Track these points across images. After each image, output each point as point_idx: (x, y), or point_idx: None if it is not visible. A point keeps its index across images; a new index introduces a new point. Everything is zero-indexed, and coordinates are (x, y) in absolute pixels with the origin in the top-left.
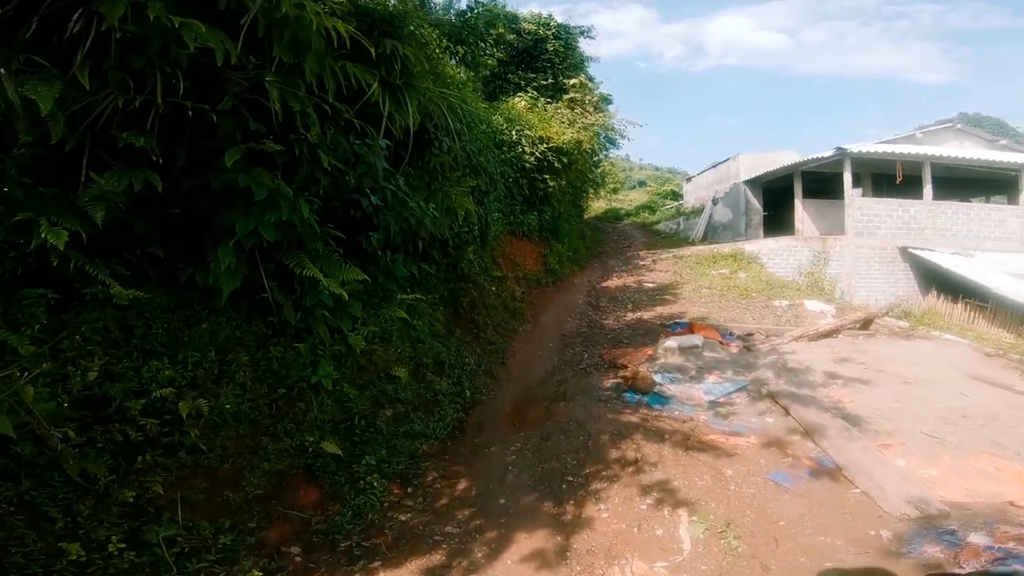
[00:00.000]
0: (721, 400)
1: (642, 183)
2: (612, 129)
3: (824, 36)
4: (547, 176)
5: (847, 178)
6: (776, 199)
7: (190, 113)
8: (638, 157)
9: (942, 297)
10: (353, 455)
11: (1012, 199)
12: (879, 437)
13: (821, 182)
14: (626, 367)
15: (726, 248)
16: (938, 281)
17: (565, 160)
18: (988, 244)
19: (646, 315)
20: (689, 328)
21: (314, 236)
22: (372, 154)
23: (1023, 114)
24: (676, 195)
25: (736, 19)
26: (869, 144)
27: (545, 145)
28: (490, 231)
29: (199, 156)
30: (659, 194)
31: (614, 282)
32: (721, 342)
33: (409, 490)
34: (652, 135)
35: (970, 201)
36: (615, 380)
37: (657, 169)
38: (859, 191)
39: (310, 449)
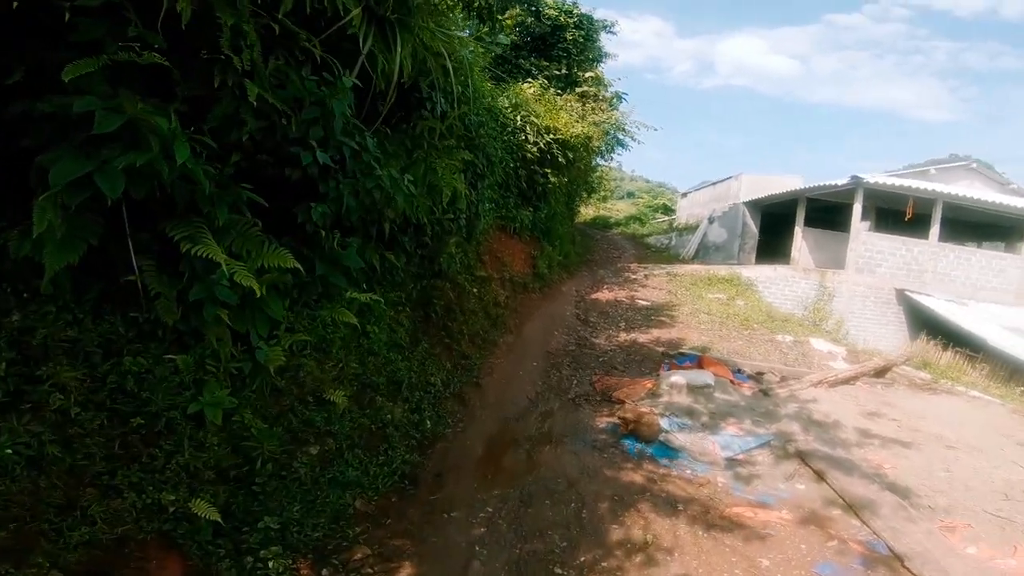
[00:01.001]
0: (740, 457)
1: (631, 194)
2: (623, 129)
3: (835, 65)
4: (548, 171)
5: (857, 209)
6: (772, 224)
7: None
8: (630, 168)
9: (931, 343)
10: (247, 513)
11: (1010, 247)
12: (936, 516)
13: (822, 211)
14: (623, 403)
15: (722, 271)
16: (930, 327)
17: (571, 155)
18: (983, 294)
19: (641, 338)
20: (698, 363)
21: (221, 199)
22: (331, 96)
23: (1011, 160)
24: (668, 209)
25: (750, 40)
26: (883, 176)
27: (551, 136)
28: (479, 222)
29: (46, 70)
30: (650, 207)
31: (605, 295)
32: (733, 382)
33: (324, 573)
34: (650, 147)
35: (965, 245)
36: (611, 419)
37: (648, 182)
38: (867, 224)
39: (171, 509)
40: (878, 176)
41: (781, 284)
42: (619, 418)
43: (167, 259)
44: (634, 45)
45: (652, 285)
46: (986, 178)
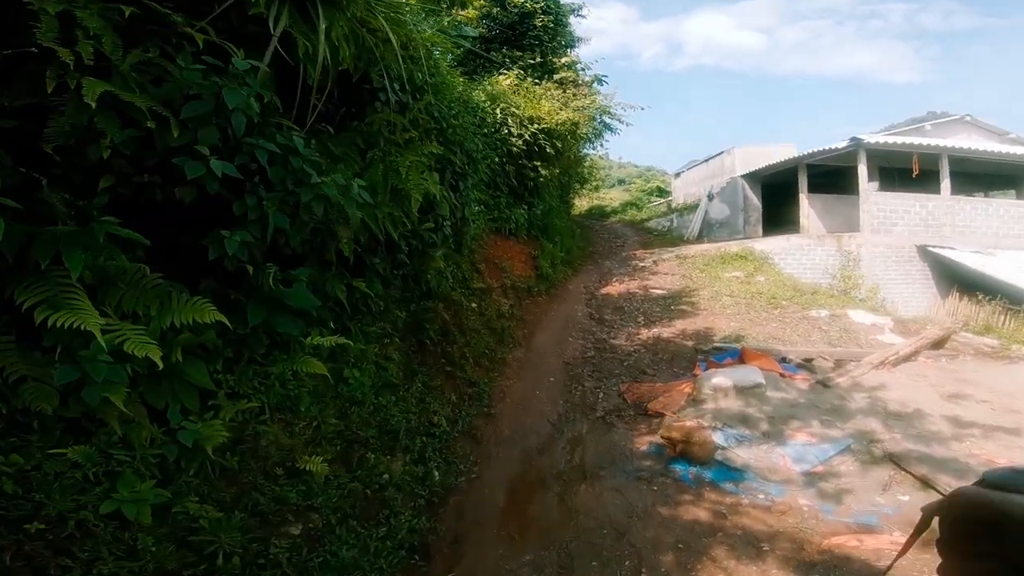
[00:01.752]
0: (819, 469)
1: (622, 181)
2: (609, 112)
3: (800, 35)
4: (538, 163)
5: (862, 171)
6: (774, 195)
7: None
8: (617, 155)
9: (964, 299)
10: None
11: (1021, 195)
12: None
13: (824, 176)
14: (662, 415)
15: (733, 247)
16: (960, 281)
17: (559, 144)
18: (1007, 242)
19: (665, 332)
20: (739, 357)
21: (74, 242)
22: (226, 87)
23: (987, 114)
24: (663, 192)
25: (715, 17)
26: (882, 135)
27: (536, 126)
28: (469, 228)
29: None
30: (644, 191)
31: (615, 288)
32: (783, 375)
33: None
34: (632, 133)
35: (974, 196)
36: (652, 439)
37: (636, 167)
38: (875, 185)
39: None
40: (877, 136)
41: (797, 254)
42: (663, 438)
43: (32, 330)
44: (601, 33)
45: (663, 271)
46: (983, 129)
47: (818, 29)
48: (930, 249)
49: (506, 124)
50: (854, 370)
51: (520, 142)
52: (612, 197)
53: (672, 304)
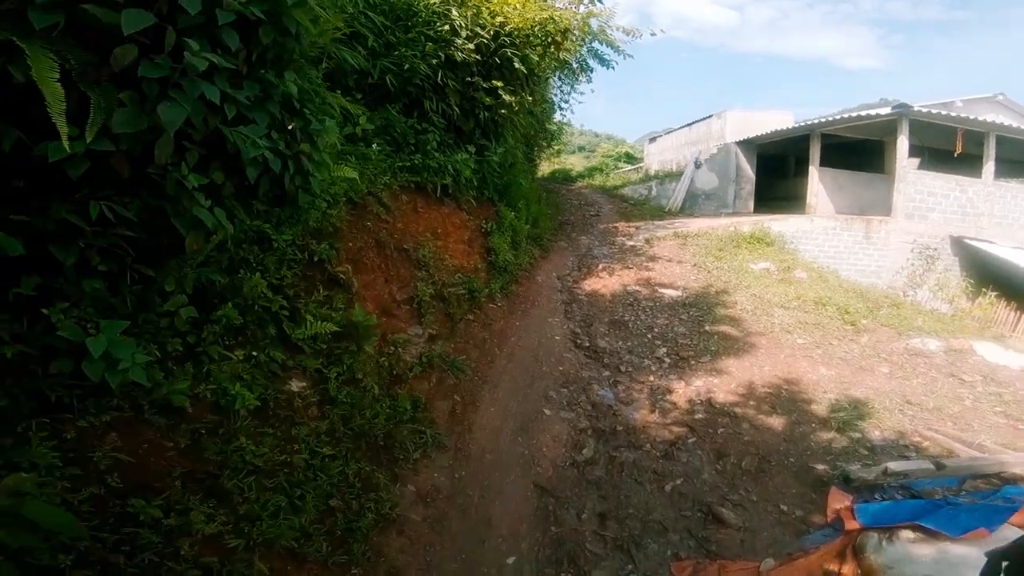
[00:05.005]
0: None
1: (582, 148)
2: (605, 35)
3: (769, 14)
4: (499, 85)
5: (902, 144)
6: (769, 166)
7: None
8: (579, 123)
9: (1003, 302)
10: None
11: None
12: None
13: (832, 150)
14: None
15: (744, 226)
16: (997, 281)
17: (534, 58)
18: None
19: (719, 389)
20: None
21: None
22: None
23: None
24: (632, 158)
25: None
26: (928, 105)
27: (496, 25)
28: (294, 175)
29: None
30: (611, 156)
31: (605, 282)
32: None
33: None
34: (596, 101)
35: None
36: None
37: (597, 135)
38: (916, 162)
39: None
40: (923, 105)
41: (820, 238)
42: None
43: None
44: None
45: (665, 255)
46: (1014, 112)
47: (788, 9)
48: (966, 242)
49: (448, 17)
50: None
51: (470, 47)
52: (573, 163)
53: (704, 320)
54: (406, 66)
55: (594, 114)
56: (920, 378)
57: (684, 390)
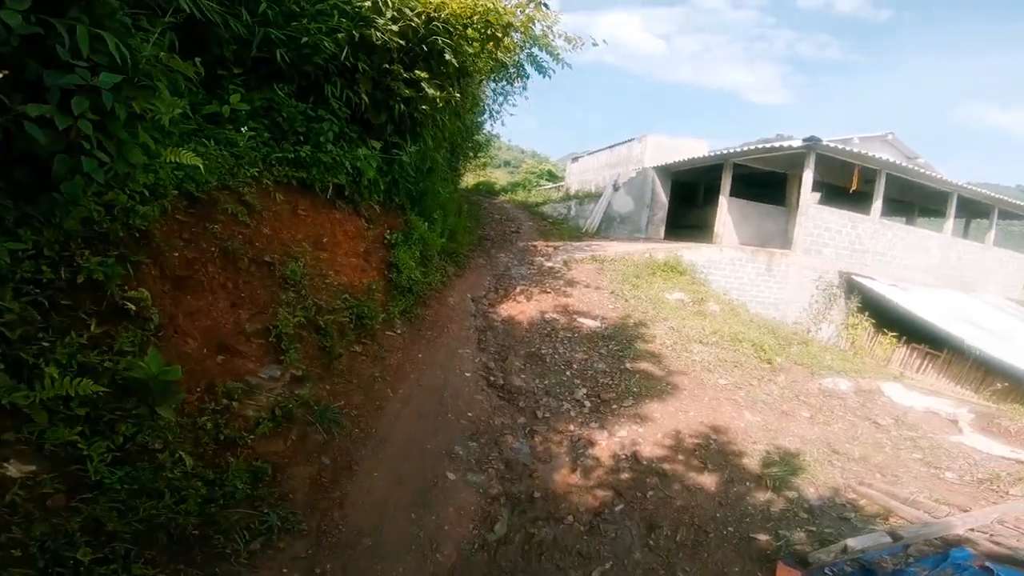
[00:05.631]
0: None
1: (507, 163)
2: (547, 40)
3: (694, 47)
4: (423, 76)
5: (807, 178)
6: (681, 194)
7: None
8: (506, 137)
9: (888, 336)
10: None
11: (910, 222)
12: None
13: (738, 180)
14: None
15: (659, 253)
16: (878, 318)
17: (469, 51)
18: (911, 275)
19: (644, 441)
20: None
21: None
22: None
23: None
24: (554, 176)
25: (626, 17)
26: (832, 141)
27: (430, 9)
28: None
29: None
30: (535, 173)
31: (522, 307)
32: None
33: None
34: (528, 117)
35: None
36: None
37: (523, 151)
38: (817, 196)
39: None
40: (829, 140)
41: (727, 269)
42: None
43: None
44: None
45: (583, 280)
46: (898, 151)
47: (712, 43)
48: (855, 278)
49: None
50: None
51: (394, 29)
52: (497, 177)
53: (624, 355)
54: (304, 40)
55: (523, 130)
56: (840, 422)
57: (607, 442)
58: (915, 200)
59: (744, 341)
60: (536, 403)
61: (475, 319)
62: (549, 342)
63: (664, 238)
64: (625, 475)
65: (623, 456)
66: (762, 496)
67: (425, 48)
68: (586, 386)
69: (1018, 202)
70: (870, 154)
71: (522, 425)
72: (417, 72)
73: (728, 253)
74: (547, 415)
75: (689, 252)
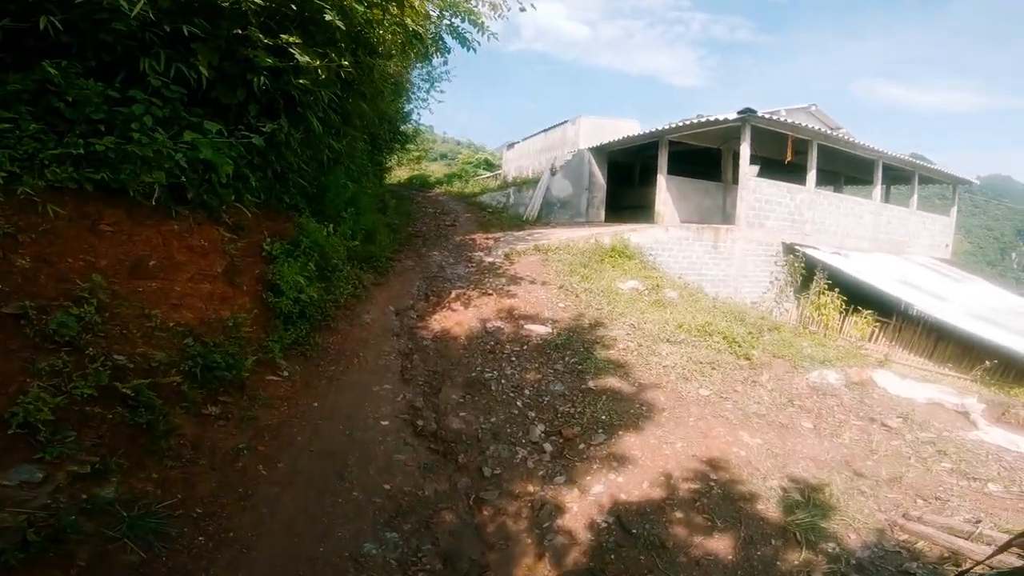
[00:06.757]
0: None
1: (444, 155)
2: (468, 6)
3: (616, 32)
4: (291, 41)
5: (744, 151)
6: (619, 175)
7: None
8: (442, 130)
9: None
10: None
11: (838, 190)
12: None
13: (673, 158)
14: None
15: (604, 238)
16: (832, 284)
17: (359, 9)
18: (849, 241)
19: (629, 496)
20: None
21: None
22: None
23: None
24: (491, 165)
25: (553, 5)
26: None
27: None
28: None
29: None
30: (470, 163)
31: (458, 317)
32: None
33: None
34: (459, 108)
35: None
36: None
37: (459, 143)
38: (755, 169)
39: None
40: (764, 111)
41: (675, 249)
42: None
43: None
44: None
45: (527, 275)
46: (822, 123)
47: (632, 28)
48: (798, 248)
49: None
50: None
51: None
52: (434, 170)
53: (584, 370)
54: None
55: (458, 123)
56: (848, 431)
57: (580, 505)
58: (841, 169)
59: (714, 334)
60: (482, 454)
61: (398, 339)
62: (493, 361)
63: (605, 220)
64: (612, 556)
65: (603, 525)
66: (795, 557)
67: (294, 7)
68: (543, 420)
69: (936, 167)
70: (803, 124)
71: (464, 492)
72: (285, 36)
73: (674, 232)
74: (497, 471)
75: (635, 234)
